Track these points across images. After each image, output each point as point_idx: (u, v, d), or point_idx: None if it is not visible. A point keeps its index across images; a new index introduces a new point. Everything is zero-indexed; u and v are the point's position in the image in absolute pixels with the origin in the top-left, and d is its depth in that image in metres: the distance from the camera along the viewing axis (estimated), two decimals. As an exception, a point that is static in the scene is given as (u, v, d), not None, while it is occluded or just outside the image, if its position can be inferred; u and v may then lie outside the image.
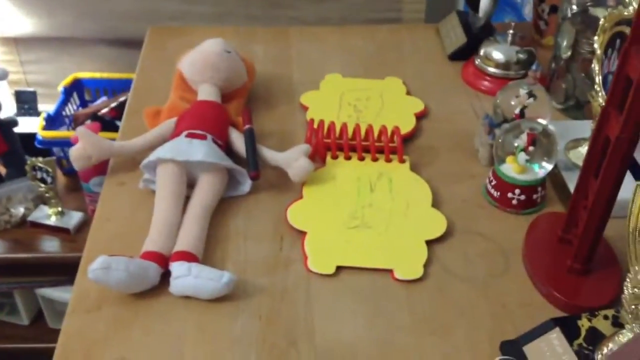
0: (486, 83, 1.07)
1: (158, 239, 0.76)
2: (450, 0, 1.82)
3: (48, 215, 1.53)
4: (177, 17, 1.80)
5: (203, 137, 0.85)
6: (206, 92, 0.94)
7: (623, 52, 0.64)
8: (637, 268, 0.60)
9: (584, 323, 0.67)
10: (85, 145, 0.86)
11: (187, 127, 0.87)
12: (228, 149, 0.89)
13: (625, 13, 0.77)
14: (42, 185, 1.46)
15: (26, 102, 1.84)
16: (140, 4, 1.78)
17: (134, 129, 0.94)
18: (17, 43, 1.85)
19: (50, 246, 1.53)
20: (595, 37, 0.82)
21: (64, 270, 1.50)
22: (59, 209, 1.53)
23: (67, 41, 1.85)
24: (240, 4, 1.80)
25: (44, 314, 1.66)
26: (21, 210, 1.55)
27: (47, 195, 1.49)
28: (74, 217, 1.54)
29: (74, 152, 0.87)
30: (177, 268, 0.73)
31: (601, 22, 0.81)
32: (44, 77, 1.91)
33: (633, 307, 0.61)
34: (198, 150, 0.83)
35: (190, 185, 0.84)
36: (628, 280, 0.62)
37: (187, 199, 0.82)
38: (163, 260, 0.74)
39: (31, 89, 1.87)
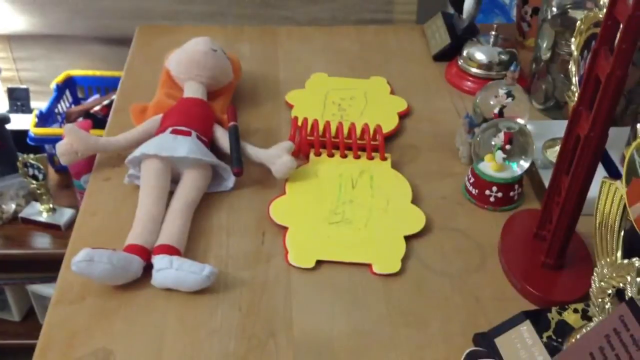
0: (469, 83, 1.09)
1: (141, 233, 0.77)
2: (441, 1, 1.84)
3: (39, 211, 1.55)
4: (169, 16, 1.81)
5: (187, 134, 0.87)
6: (192, 90, 0.95)
7: (593, 53, 0.66)
8: (603, 262, 0.62)
9: (553, 316, 0.69)
10: (71, 140, 0.88)
11: (172, 124, 0.88)
12: (213, 145, 0.91)
13: (600, 16, 0.79)
14: (34, 181, 1.47)
15: (19, 99, 1.86)
16: (133, 3, 1.79)
17: (121, 125, 0.95)
18: (10, 40, 1.87)
19: (42, 242, 1.54)
20: (572, 39, 0.84)
21: (55, 267, 1.50)
22: (50, 205, 1.54)
23: (60, 39, 1.86)
24: (232, 3, 1.82)
25: (35, 310, 1.67)
26: (12, 206, 1.56)
27: (38, 191, 1.50)
28: (65, 214, 1.56)
29: (60, 147, 0.88)
30: (159, 261, 0.74)
31: (577, 24, 0.83)
32: (36, 74, 1.92)
33: (600, 300, 0.63)
34: (182, 146, 0.84)
35: (175, 180, 0.85)
36: (595, 274, 0.63)
37: (172, 194, 0.84)
38: (146, 254, 0.76)
39: (24, 86, 1.88)
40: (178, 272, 0.73)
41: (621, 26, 0.61)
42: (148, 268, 0.75)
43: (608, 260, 0.61)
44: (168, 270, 0.73)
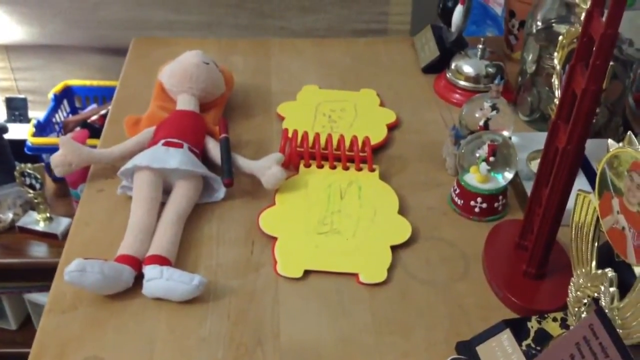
0: (457, 96, 1.11)
1: (133, 243, 0.79)
2: (435, 12, 1.86)
3: (36, 220, 1.56)
4: (165, 27, 1.83)
5: (179, 146, 0.89)
6: (185, 102, 0.97)
7: (570, 69, 0.68)
8: (579, 272, 0.64)
9: (533, 325, 0.70)
10: (65, 152, 0.90)
11: (164, 136, 0.90)
12: (204, 157, 0.93)
13: (581, 30, 0.81)
14: (31, 191, 1.49)
15: (17, 109, 1.87)
16: (130, 14, 1.81)
17: (115, 137, 0.97)
18: (8, 50, 1.89)
19: (39, 251, 1.55)
20: (555, 53, 0.86)
21: (52, 276, 1.52)
22: (48, 214, 1.56)
23: (58, 49, 1.88)
24: (229, 13, 1.84)
25: (31, 319, 1.69)
26: (10, 215, 1.58)
27: (35, 201, 1.52)
28: (62, 223, 1.57)
29: (55, 159, 0.90)
30: (149, 271, 0.76)
31: (560, 39, 0.85)
32: (34, 84, 1.94)
33: (576, 309, 0.65)
34: (174, 158, 0.86)
35: (167, 191, 0.87)
36: (572, 284, 0.65)
37: (163, 205, 0.86)
38: (137, 264, 0.78)
39: (22, 96, 1.90)
40: (168, 282, 0.75)
41: (595, 43, 0.63)
42: (139, 278, 0.77)
43: (584, 270, 0.63)
44: (158, 280, 0.75)
